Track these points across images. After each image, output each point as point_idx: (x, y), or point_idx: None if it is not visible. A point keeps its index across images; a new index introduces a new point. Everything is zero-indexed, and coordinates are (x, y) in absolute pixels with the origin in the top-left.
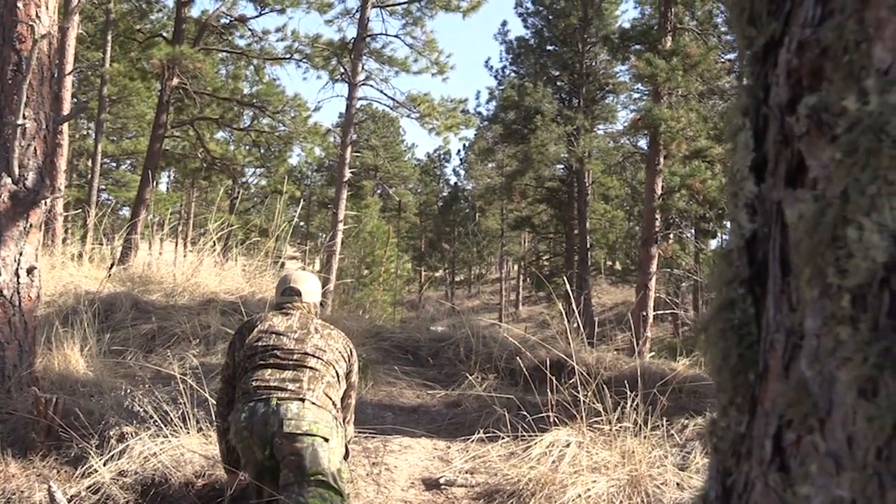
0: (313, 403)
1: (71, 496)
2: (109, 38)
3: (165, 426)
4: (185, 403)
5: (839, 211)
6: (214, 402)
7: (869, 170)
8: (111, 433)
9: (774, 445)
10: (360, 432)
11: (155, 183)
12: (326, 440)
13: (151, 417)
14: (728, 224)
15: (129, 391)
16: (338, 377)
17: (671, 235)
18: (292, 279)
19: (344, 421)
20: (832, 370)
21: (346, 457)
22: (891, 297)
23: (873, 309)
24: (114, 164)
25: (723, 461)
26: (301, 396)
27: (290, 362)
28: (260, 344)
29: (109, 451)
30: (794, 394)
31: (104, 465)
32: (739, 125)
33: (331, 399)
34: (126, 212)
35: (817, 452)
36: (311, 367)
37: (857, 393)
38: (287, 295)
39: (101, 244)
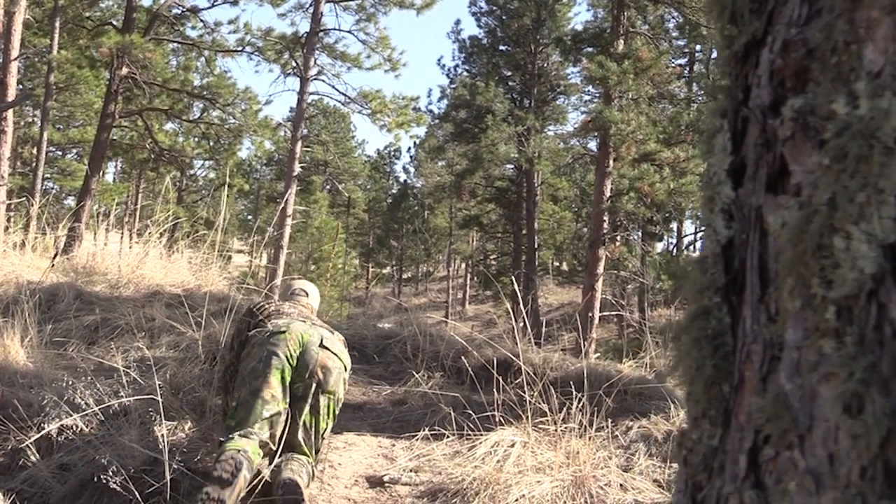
0: (339, 339)
1: (7, 489)
2: (58, 24)
3: (107, 420)
4: (127, 396)
5: (826, 219)
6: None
7: (858, 177)
8: (50, 426)
9: (750, 461)
10: None
11: (101, 173)
12: (347, 371)
13: (93, 410)
14: (675, 228)
15: (70, 383)
16: None
17: (618, 238)
18: (300, 283)
19: None
20: (814, 385)
21: None
22: (878, 309)
23: (860, 322)
24: (59, 153)
25: (693, 475)
26: (330, 329)
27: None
28: (272, 321)
29: (48, 444)
30: (773, 408)
31: (42, 458)
32: (717, 127)
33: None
34: (71, 201)
35: (796, 469)
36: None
37: (841, 409)
38: (297, 294)
39: (45, 233)
